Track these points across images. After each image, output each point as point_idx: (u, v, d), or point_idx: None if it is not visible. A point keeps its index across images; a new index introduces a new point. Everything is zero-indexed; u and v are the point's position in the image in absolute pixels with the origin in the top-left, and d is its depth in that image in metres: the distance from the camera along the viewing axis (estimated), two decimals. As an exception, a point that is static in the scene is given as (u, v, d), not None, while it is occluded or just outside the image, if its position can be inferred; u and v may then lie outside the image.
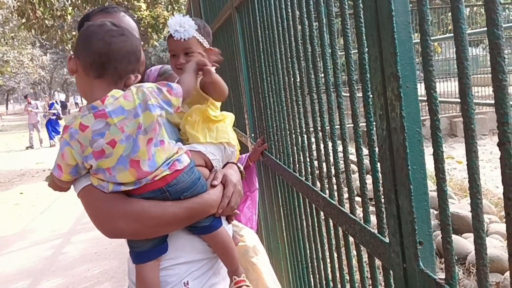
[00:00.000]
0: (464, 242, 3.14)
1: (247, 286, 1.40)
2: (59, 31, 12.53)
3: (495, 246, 2.97)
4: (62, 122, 13.90)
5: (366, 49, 0.99)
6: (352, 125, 1.16)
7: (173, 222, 1.31)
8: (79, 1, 10.22)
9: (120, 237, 1.34)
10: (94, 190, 1.26)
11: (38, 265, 4.86)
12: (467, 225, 3.43)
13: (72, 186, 1.34)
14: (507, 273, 2.67)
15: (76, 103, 40.39)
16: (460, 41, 0.70)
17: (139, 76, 1.32)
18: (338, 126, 1.27)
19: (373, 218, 1.13)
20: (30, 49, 34.24)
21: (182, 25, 1.54)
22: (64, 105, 39.36)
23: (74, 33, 12.95)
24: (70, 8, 10.83)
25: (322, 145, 1.46)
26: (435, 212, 3.44)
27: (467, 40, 0.71)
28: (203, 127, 1.52)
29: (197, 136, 1.49)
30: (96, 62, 1.21)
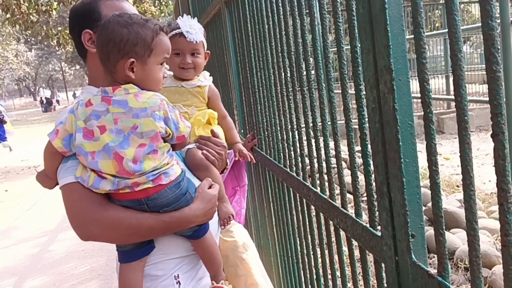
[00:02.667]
0: (452, 238, 3.17)
1: None
2: (44, 26, 12.35)
3: (483, 241, 3.01)
4: (8, 127, 13.25)
5: (359, 43, 0.98)
6: (344, 120, 1.16)
7: (148, 234, 1.30)
8: (65, -4, 10.09)
9: (93, 241, 1.32)
10: (76, 189, 1.24)
11: (24, 263, 4.80)
12: (455, 221, 3.47)
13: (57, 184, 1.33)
14: (495, 268, 2.71)
15: (57, 100, 39.74)
16: (453, 33, 0.70)
17: (148, 62, 1.24)
18: (329, 122, 1.27)
19: (364, 217, 1.13)
20: (15, 45, 33.78)
21: (192, 26, 1.61)
22: (49, 102, 38.96)
23: (59, 28, 12.78)
24: (55, 3, 10.68)
25: (313, 140, 1.45)
26: (424, 207, 3.47)
27: (460, 32, 0.71)
28: (205, 128, 1.64)
29: (196, 133, 1.62)
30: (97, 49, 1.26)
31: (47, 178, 1.34)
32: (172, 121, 1.26)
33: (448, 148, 7.36)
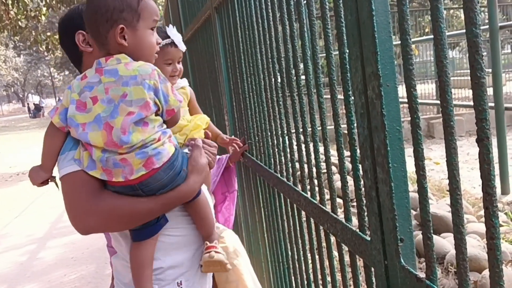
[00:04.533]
0: (443, 242, 3.19)
1: (217, 252, 1.39)
2: (33, 32, 12.29)
3: (473, 245, 3.02)
4: None
5: (347, 49, 1.00)
6: (333, 126, 1.17)
7: (148, 217, 1.31)
8: (54, 1, 10.04)
9: (91, 233, 1.31)
10: (72, 180, 1.24)
11: (13, 271, 4.74)
12: (445, 225, 3.49)
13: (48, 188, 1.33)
14: (485, 272, 2.72)
15: (42, 107, 39.27)
16: (439, 40, 0.71)
17: (137, 29, 1.25)
18: (319, 128, 1.28)
19: (354, 222, 1.14)
20: (3, 51, 33.52)
21: (178, 35, 1.68)
22: (38, 108, 38.64)
23: (48, 33, 12.72)
24: (44, 9, 10.63)
25: (303, 145, 1.46)
26: (414, 212, 3.49)
27: (446, 39, 0.72)
28: (202, 132, 1.70)
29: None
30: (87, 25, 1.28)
31: (40, 172, 1.32)
32: (162, 92, 1.24)
33: (438, 153, 7.42)
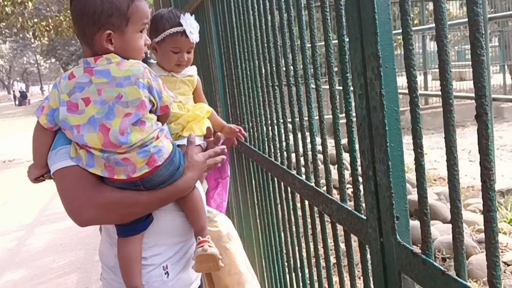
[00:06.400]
0: (432, 229, 3.26)
1: (210, 246, 1.39)
2: (20, 18, 12.08)
3: (459, 233, 3.09)
4: None
5: (346, 31, 1.01)
6: (330, 107, 1.18)
7: (145, 211, 1.32)
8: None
9: (90, 225, 1.34)
10: (68, 174, 1.23)
11: (1, 257, 4.71)
12: (433, 213, 3.56)
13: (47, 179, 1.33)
14: (471, 258, 2.80)
15: (27, 94, 38.49)
16: (439, 19, 0.73)
17: (126, 32, 1.22)
18: (316, 109, 1.30)
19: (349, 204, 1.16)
20: (-12, 37, 32.88)
21: (193, 25, 1.63)
22: (24, 95, 38.11)
23: (35, 20, 12.52)
24: (31, -5, 10.46)
25: (298, 128, 1.48)
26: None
27: (446, 19, 0.74)
28: (202, 122, 1.69)
29: (196, 130, 1.64)
30: (73, 23, 1.25)
31: (32, 169, 1.33)
32: (156, 90, 1.24)
33: (425, 143, 7.46)
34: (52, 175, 1.28)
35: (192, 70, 1.77)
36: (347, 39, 1.01)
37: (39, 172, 1.33)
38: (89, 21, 1.19)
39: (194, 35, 1.64)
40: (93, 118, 1.18)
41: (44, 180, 1.37)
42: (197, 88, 1.79)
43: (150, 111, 1.25)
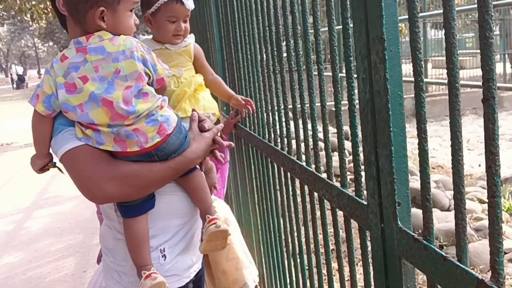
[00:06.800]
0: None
1: (221, 222, 1.39)
2: (17, 0, 11.95)
3: (457, 220, 3.10)
4: None
5: (350, 13, 0.99)
6: (332, 93, 1.17)
7: (159, 182, 1.32)
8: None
9: (109, 202, 1.32)
10: (79, 153, 1.22)
11: (-1, 240, 4.73)
12: (430, 200, 3.56)
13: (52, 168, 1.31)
14: (469, 245, 2.80)
15: (25, 77, 38.16)
16: (447, 1, 0.71)
17: (117, 11, 1.21)
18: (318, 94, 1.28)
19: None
20: (-14, 19, 32.58)
21: None
22: (21, 79, 37.91)
23: (33, 2, 12.38)
24: (29, -24, 10.32)
25: (299, 113, 1.46)
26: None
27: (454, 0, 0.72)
28: (191, 98, 1.59)
29: (187, 110, 1.56)
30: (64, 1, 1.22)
31: (35, 160, 1.32)
32: (150, 62, 1.24)
33: (423, 132, 7.49)
34: (60, 159, 1.25)
35: (188, 40, 1.71)
36: (352, 22, 0.99)
37: (43, 161, 1.31)
38: None
39: (189, 1, 1.58)
40: (93, 94, 1.17)
41: (48, 169, 1.35)
42: (197, 58, 1.72)
43: (148, 84, 1.25)
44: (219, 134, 2.35)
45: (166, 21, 1.57)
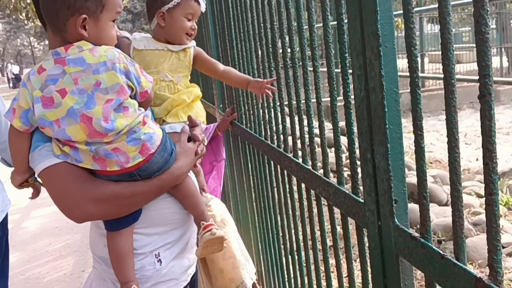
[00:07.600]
0: (425, 211, 3.27)
1: (216, 229, 1.36)
2: (12, -1, 11.89)
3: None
4: None
5: (345, 9, 0.98)
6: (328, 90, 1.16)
7: (143, 201, 1.28)
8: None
9: (89, 220, 1.28)
10: (57, 172, 1.17)
11: (-4, 241, 4.71)
12: (429, 196, 3.56)
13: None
14: (467, 240, 2.81)
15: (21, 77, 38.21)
16: (443, -4, 0.70)
17: (100, 18, 1.16)
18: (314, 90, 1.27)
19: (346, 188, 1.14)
20: (-19, 18, 32.44)
21: None
22: (18, 78, 37.75)
23: (28, 1, 12.32)
24: (24, -25, 10.26)
25: (295, 111, 1.45)
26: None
27: (449, -4, 0.71)
28: (185, 106, 1.57)
29: (180, 116, 1.54)
30: (40, 9, 1.17)
31: (15, 175, 1.28)
32: (133, 75, 1.18)
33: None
34: (38, 175, 1.21)
35: (190, 43, 1.66)
36: (346, 19, 0.98)
37: (22, 177, 1.28)
38: (63, 4, 1.11)
39: (204, 3, 1.56)
40: (72, 109, 1.12)
41: (29, 185, 1.32)
42: (199, 59, 1.68)
43: (130, 97, 1.20)
44: (215, 131, 2.36)
45: (183, 17, 1.53)
